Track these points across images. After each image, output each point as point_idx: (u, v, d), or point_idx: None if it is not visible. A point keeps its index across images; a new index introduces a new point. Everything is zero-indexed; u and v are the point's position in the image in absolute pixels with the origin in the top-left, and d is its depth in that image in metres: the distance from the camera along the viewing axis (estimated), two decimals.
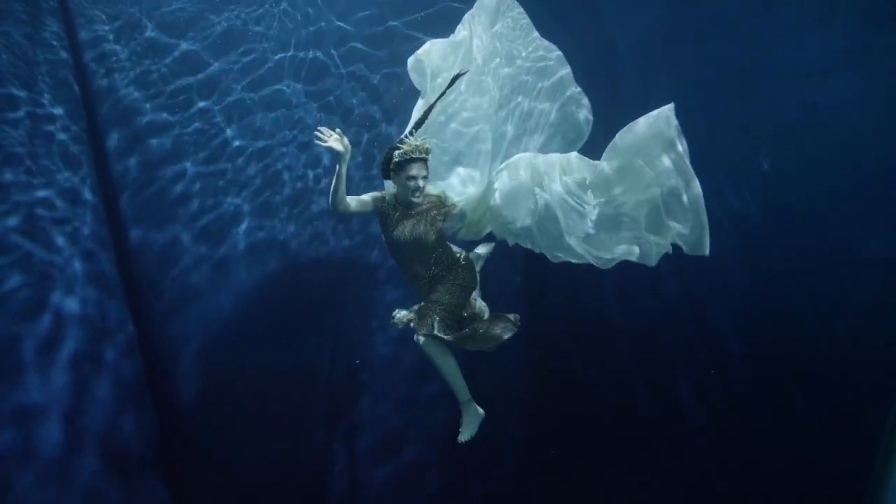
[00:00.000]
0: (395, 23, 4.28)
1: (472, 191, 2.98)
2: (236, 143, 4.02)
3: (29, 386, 2.96)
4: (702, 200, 2.14)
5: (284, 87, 4.15)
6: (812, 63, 2.98)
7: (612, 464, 4.06)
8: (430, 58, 2.99)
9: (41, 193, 3.31)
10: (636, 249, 2.33)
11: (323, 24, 4.23)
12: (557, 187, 2.39)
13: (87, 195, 3.50)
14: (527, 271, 4.38)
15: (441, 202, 2.99)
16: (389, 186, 3.05)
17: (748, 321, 3.38)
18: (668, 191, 2.18)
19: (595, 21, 4.08)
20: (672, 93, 2.33)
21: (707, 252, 2.17)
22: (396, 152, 2.83)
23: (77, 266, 3.31)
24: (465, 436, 2.96)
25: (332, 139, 2.70)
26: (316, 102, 4.18)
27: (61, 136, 3.50)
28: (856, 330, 2.88)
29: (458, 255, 3.06)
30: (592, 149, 2.59)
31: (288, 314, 3.95)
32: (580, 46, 3.31)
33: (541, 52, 3.05)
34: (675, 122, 2.13)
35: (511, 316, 3.14)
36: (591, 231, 2.34)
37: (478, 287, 3.18)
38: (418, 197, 2.88)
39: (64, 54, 3.67)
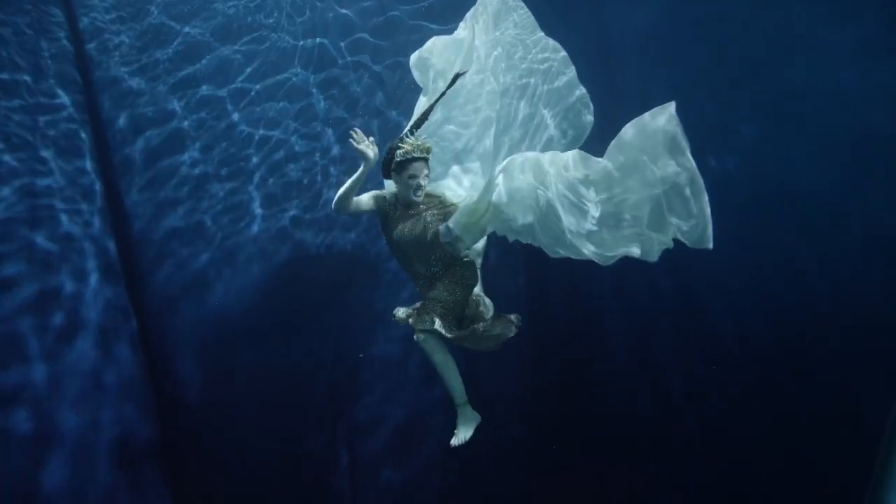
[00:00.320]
0: (398, 12, 4.27)
1: (473, 191, 2.98)
2: (242, 133, 3.99)
3: (35, 375, 2.97)
4: (705, 196, 2.14)
5: (291, 77, 4.11)
6: (822, 57, 2.97)
7: (612, 463, 4.06)
8: (433, 55, 2.99)
9: (45, 181, 3.31)
10: (638, 246, 2.34)
11: (330, 15, 4.20)
12: (559, 185, 2.40)
13: (93, 184, 3.50)
14: (527, 270, 4.38)
15: (441, 202, 2.99)
16: (389, 186, 3.05)
17: (748, 319, 3.38)
18: (671, 188, 2.18)
19: (597, 17, 4.09)
20: (675, 90, 2.33)
21: (710, 245, 2.17)
22: (398, 151, 2.83)
23: (84, 254, 3.31)
24: (459, 439, 2.94)
25: (365, 144, 2.74)
26: (322, 93, 4.14)
27: (67, 124, 3.49)
28: (856, 329, 2.88)
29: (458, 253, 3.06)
30: (594, 146, 2.59)
31: (289, 312, 3.95)
32: (582, 42, 3.31)
33: (544, 50, 3.05)
34: (676, 118, 2.13)
35: (512, 316, 3.14)
36: (594, 228, 2.34)
37: (479, 283, 3.17)
38: (419, 196, 2.89)
39: (67, 44, 3.66)
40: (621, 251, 2.36)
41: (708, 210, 2.15)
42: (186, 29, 3.96)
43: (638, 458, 3.94)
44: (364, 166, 2.76)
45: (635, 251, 2.34)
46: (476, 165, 3.11)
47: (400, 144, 2.84)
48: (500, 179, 2.57)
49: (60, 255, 3.24)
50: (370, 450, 4.07)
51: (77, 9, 3.80)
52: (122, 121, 3.82)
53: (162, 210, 3.81)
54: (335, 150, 4.14)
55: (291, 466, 3.88)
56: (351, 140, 2.77)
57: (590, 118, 3.07)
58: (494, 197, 2.55)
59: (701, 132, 2.27)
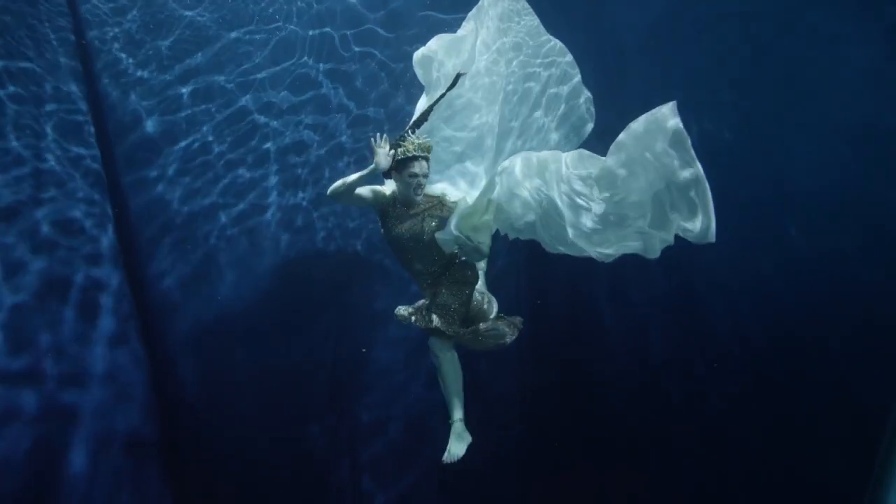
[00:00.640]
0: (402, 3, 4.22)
1: (473, 191, 2.98)
2: (249, 121, 3.94)
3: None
4: (709, 192, 2.14)
5: (296, 67, 4.07)
6: (823, 56, 2.96)
7: (612, 463, 4.05)
8: (436, 53, 3.00)
9: (48, 167, 3.31)
10: (640, 244, 2.34)
11: (338, 7, 4.15)
12: (561, 183, 2.40)
13: (97, 173, 3.51)
14: (528, 271, 4.38)
15: (441, 202, 2.99)
16: (388, 185, 3.05)
17: (748, 319, 3.37)
18: (675, 185, 2.18)
19: (598, 16, 4.08)
20: (675, 90, 2.33)
21: (714, 239, 2.17)
22: (398, 150, 2.84)
23: (94, 243, 3.33)
24: (451, 456, 2.93)
25: (383, 152, 2.76)
26: (330, 83, 4.09)
27: (71, 112, 3.49)
28: (856, 329, 2.88)
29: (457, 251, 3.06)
30: (594, 146, 2.59)
31: (289, 312, 3.94)
32: (583, 41, 3.31)
33: (550, 54, 3.05)
34: (678, 117, 2.13)
35: (515, 319, 3.15)
36: (597, 227, 2.35)
37: (482, 280, 3.18)
38: (419, 195, 2.89)
39: (70, 34, 3.64)
40: (623, 249, 2.36)
41: (711, 206, 2.15)
42: (189, 13, 3.88)
43: (638, 459, 3.93)
44: (372, 168, 2.80)
45: (637, 248, 2.34)
46: (477, 165, 3.12)
47: (400, 143, 2.85)
48: (500, 178, 2.58)
49: (64, 245, 3.23)
50: (370, 450, 4.07)
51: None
52: (125, 109, 3.77)
53: (162, 209, 3.80)
54: (341, 146, 4.08)
55: (292, 466, 3.88)
56: (372, 140, 2.80)
57: (591, 124, 3.08)
58: (495, 195, 2.56)
59: (701, 132, 2.28)
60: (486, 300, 3.15)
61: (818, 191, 2.99)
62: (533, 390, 4.39)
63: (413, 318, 2.96)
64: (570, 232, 2.35)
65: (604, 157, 2.34)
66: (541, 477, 4.28)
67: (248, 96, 3.96)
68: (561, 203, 2.38)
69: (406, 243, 2.97)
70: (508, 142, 3.00)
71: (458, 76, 2.89)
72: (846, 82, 2.86)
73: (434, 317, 2.89)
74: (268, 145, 3.97)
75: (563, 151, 2.96)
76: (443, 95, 2.91)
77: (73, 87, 3.53)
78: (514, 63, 2.98)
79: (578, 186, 2.39)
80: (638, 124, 2.22)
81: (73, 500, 2.95)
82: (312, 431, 3.97)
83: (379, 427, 4.09)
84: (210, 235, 3.85)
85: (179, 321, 3.75)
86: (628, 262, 2.51)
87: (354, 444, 4.03)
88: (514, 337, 3.06)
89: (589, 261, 2.46)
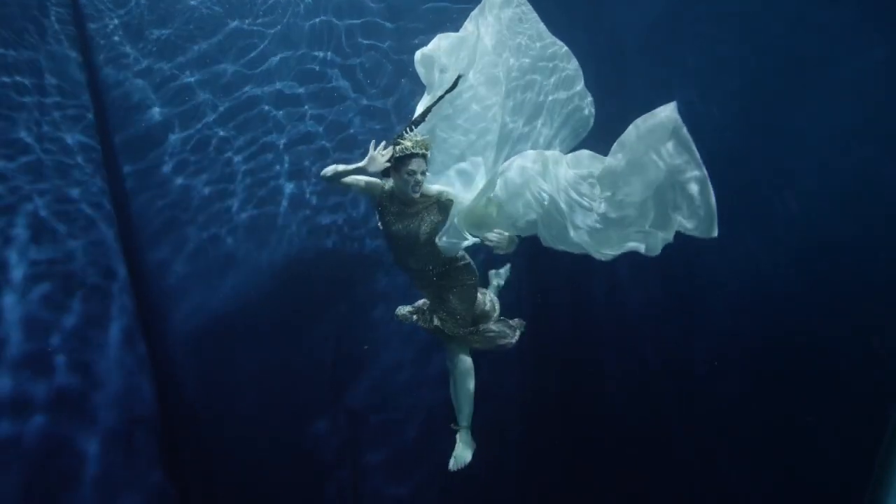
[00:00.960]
0: None
1: (472, 191, 2.98)
2: (254, 111, 3.93)
3: None
4: (711, 191, 2.15)
5: (303, 58, 4.04)
6: (824, 56, 2.96)
7: (612, 464, 4.06)
8: (438, 53, 2.99)
9: (50, 159, 3.30)
10: (641, 243, 2.34)
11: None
12: (563, 182, 2.41)
13: (97, 167, 3.49)
14: (528, 271, 4.38)
15: (439, 201, 2.99)
16: (387, 181, 3.05)
17: (748, 319, 3.37)
18: (676, 185, 2.19)
19: (600, 15, 4.08)
20: (675, 89, 2.34)
21: (716, 234, 2.17)
22: (396, 147, 2.84)
23: (98, 234, 3.32)
24: (458, 463, 2.99)
25: (377, 156, 2.80)
26: (335, 75, 4.07)
27: (74, 105, 3.49)
28: (856, 329, 2.88)
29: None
30: (594, 146, 2.60)
31: (289, 312, 3.94)
32: (584, 40, 3.30)
33: (549, 49, 3.05)
34: (679, 117, 2.14)
35: (515, 321, 3.17)
36: (598, 226, 2.35)
37: (495, 283, 3.21)
38: (417, 192, 2.89)
39: (71, 26, 3.63)
40: (625, 248, 2.36)
41: (714, 204, 2.15)
42: (193, 2, 3.84)
43: (638, 459, 3.94)
44: (362, 165, 2.83)
45: (639, 247, 2.34)
46: (476, 166, 3.11)
47: (399, 140, 2.85)
48: (501, 178, 2.58)
49: (66, 235, 3.22)
50: (371, 450, 4.07)
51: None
52: (127, 100, 3.74)
53: (163, 209, 3.79)
54: (352, 138, 4.05)
55: (292, 467, 3.88)
56: (372, 143, 2.80)
57: (590, 116, 3.08)
58: (495, 194, 2.56)
59: (701, 131, 2.27)
60: (489, 301, 3.16)
61: (818, 191, 3.00)
62: (533, 391, 4.39)
63: (414, 317, 2.97)
64: (572, 231, 2.35)
65: (605, 157, 2.34)
66: (541, 477, 4.28)
67: (253, 87, 3.93)
68: (562, 203, 2.38)
69: (402, 241, 2.97)
70: (509, 143, 2.99)
71: (458, 77, 2.89)
72: (847, 81, 2.86)
73: (435, 317, 2.90)
74: (273, 137, 3.95)
75: (565, 146, 2.99)
76: (443, 96, 2.91)
77: (77, 77, 3.52)
78: (517, 65, 2.97)
79: (580, 186, 2.39)
80: (639, 124, 2.22)
81: (74, 500, 2.95)
82: (313, 432, 3.97)
83: (380, 427, 4.09)
84: (212, 226, 3.83)
85: (179, 321, 3.74)
86: (628, 263, 2.51)
87: (355, 444, 4.04)
88: (516, 338, 3.08)
89: (589, 260, 2.46)
